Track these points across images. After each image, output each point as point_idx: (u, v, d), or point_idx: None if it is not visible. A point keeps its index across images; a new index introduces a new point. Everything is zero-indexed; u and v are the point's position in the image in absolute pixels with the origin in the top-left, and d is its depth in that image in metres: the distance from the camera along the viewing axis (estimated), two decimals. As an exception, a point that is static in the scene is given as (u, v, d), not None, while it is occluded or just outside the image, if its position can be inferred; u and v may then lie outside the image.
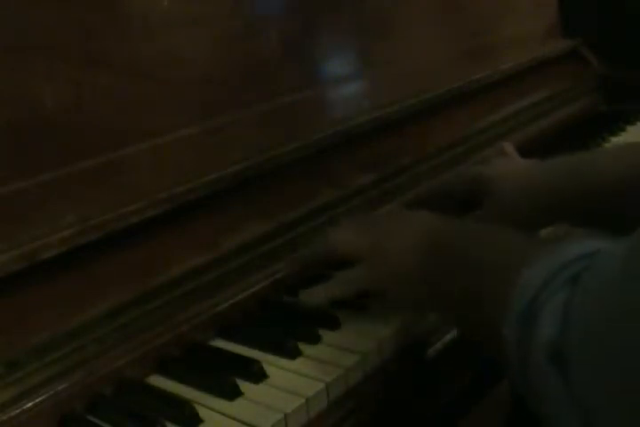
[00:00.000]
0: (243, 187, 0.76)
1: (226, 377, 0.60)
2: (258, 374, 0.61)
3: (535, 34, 1.37)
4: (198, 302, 0.69)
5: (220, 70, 0.81)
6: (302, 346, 0.65)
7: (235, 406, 0.58)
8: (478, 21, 1.24)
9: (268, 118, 0.84)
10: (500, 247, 0.59)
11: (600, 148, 0.81)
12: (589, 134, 1.18)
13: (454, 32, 1.18)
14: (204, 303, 0.69)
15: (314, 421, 0.58)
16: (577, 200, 0.77)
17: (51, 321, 0.60)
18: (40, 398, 0.57)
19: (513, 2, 1.32)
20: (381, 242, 0.68)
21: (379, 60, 1.02)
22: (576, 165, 0.80)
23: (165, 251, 0.69)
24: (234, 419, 0.57)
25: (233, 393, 0.59)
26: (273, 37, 0.87)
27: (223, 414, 0.57)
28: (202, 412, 0.57)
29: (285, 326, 0.69)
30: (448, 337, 0.70)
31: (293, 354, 0.64)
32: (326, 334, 0.66)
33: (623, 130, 1.24)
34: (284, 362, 0.63)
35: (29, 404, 0.57)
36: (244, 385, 0.60)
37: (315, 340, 0.66)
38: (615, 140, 1.18)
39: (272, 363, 0.63)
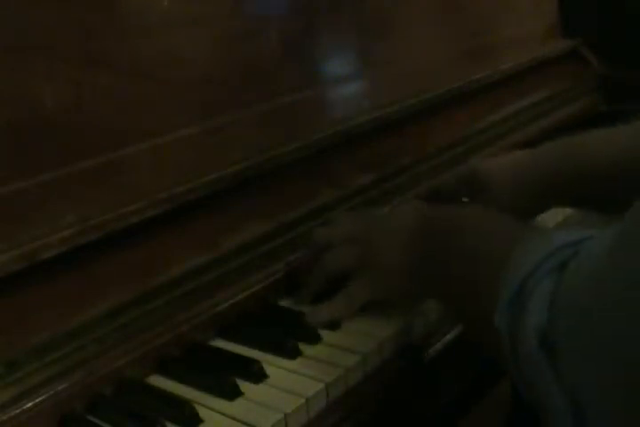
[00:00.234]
0: (243, 187, 0.76)
1: (226, 377, 0.60)
2: (258, 374, 0.61)
3: (535, 34, 1.37)
4: (198, 302, 0.69)
5: (220, 70, 0.81)
6: (302, 346, 0.65)
7: (235, 406, 0.58)
8: (478, 21, 1.24)
9: (267, 118, 0.84)
10: (497, 236, 0.59)
11: (592, 131, 0.80)
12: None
13: (454, 32, 1.18)
14: (203, 303, 0.69)
15: (314, 421, 0.58)
16: (570, 184, 0.77)
17: (51, 321, 0.60)
18: (40, 398, 0.57)
19: (513, 2, 1.32)
20: (369, 250, 0.68)
21: (379, 60, 1.02)
22: (568, 149, 0.80)
23: (165, 251, 0.69)
24: (234, 419, 0.57)
25: (233, 393, 0.59)
26: (273, 37, 0.87)
27: (223, 414, 0.57)
28: (202, 412, 0.57)
29: (285, 326, 0.69)
30: (448, 337, 0.70)
31: (293, 354, 0.64)
32: (326, 334, 0.66)
33: (623, 130, 1.24)
34: (284, 362, 0.63)
35: (29, 404, 0.57)
36: (244, 385, 0.60)
37: (315, 340, 0.66)
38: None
39: (272, 363, 0.63)
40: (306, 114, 0.89)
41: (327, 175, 0.86)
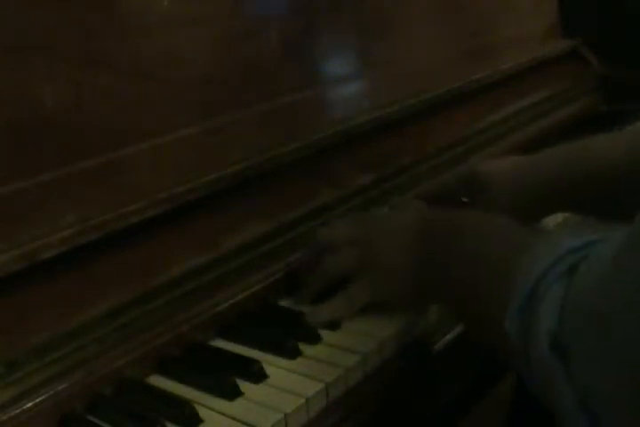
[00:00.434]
0: (243, 187, 0.76)
1: (226, 377, 0.60)
2: (258, 374, 0.61)
3: (535, 34, 1.37)
4: (198, 302, 0.69)
5: (220, 70, 0.81)
6: (302, 346, 0.65)
7: (235, 406, 0.58)
8: (478, 21, 1.24)
9: (267, 118, 0.84)
10: (497, 238, 0.59)
11: (593, 136, 0.80)
12: (589, 134, 1.18)
13: (454, 32, 1.18)
14: (204, 303, 0.69)
15: (314, 421, 0.58)
16: (574, 189, 0.77)
17: (51, 321, 0.60)
18: (40, 398, 0.57)
19: (513, 2, 1.32)
20: (370, 252, 0.68)
21: (379, 60, 1.02)
22: (571, 154, 0.80)
23: (165, 251, 0.69)
24: (234, 419, 0.57)
25: (233, 393, 0.59)
26: (273, 37, 0.87)
27: (223, 415, 0.57)
28: (202, 412, 0.57)
29: (285, 326, 0.69)
30: (448, 337, 0.70)
31: (293, 354, 0.64)
32: (326, 334, 0.66)
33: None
34: (284, 362, 0.63)
35: (29, 404, 0.57)
36: (244, 385, 0.60)
37: (315, 340, 0.66)
38: (615, 140, 1.18)
39: (272, 363, 0.63)
40: (306, 114, 0.89)
41: (327, 175, 0.86)
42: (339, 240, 0.72)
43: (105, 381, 0.61)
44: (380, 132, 0.94)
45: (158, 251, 0.68)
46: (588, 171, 0.76)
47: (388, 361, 0.65)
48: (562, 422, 0.47)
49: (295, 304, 0.73)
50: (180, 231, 0.71)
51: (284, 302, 0.74)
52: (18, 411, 0.56)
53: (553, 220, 0.89)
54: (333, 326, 0.68)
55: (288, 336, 0.66)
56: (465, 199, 0.86)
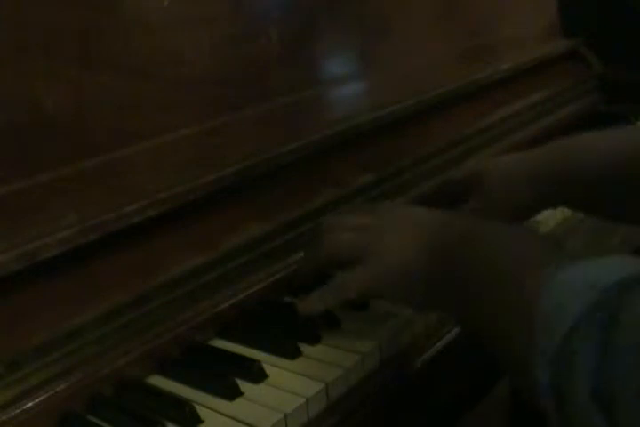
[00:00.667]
0: (243, 187, 0.76)
1: (226, 377, 0.60)
2: (258, 374, 0.61)
3: (535, 34, 1.37)
4: (198, 302, 0.69)
5: (220, 70, 0.81)
6: (302, 346, 0.65)
7: (235, 406, 0.58)
8: (478, 21, 1.24)
9: (267, 118, 0.84)
10: (513, 255, 0.56)
11: (584, 133, 0.80)
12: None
13: (454, 32, 1.18)
14: (203, 303, 0.69)
15: (314, 421, 0.58)
16: (575, 183, 0.77)
17: (51, 321, 0.60)
18: (40, 398, 0.57)
19: (513, 2, 1.32)
20: (379, 240, 0.65)
21: (379, 60, 1.02)
22: (560, 151, 0.80)
23: (165, 251, 0.69)
24: (234, 419, 0.57)
25: (233, 393, 0.59)
26: (273, 37, 0.87)
27: (223, 415, 0.57)
28: (202, 412, 0.57)
29: (285, 326, 0.69)
30: (448, 337, 0.70)
31: (293, 354, 0.64)
32: (326, 334, 0.66)
33: (623, 130, 1.24)
34: (284, 362, 0.63)
35: (29, 404, 0.57)
36: (244, 385, 0.60)
37: (315, 340, 0.66)
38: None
39: (272, 363, 0.63)
40: (306, 114, 0.89)
41: (327, 175, 0.86)
42: (346, 225, 0.69)
43: (105, 381, 0.61)
44: (380, 132, 0.94)
45: (158, 251, 0.68)
46: (591, 167, 0.76)
47: (387, 361, 0.65)
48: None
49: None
50: (180, 231, 0.70)
51: (284, 302, 0.74)
52: (18, 411, 0.56)
53: (553, 219, 0.89)
54: (333, 325, 0.68)
55: (288, 336, 0.66)
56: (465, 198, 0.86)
